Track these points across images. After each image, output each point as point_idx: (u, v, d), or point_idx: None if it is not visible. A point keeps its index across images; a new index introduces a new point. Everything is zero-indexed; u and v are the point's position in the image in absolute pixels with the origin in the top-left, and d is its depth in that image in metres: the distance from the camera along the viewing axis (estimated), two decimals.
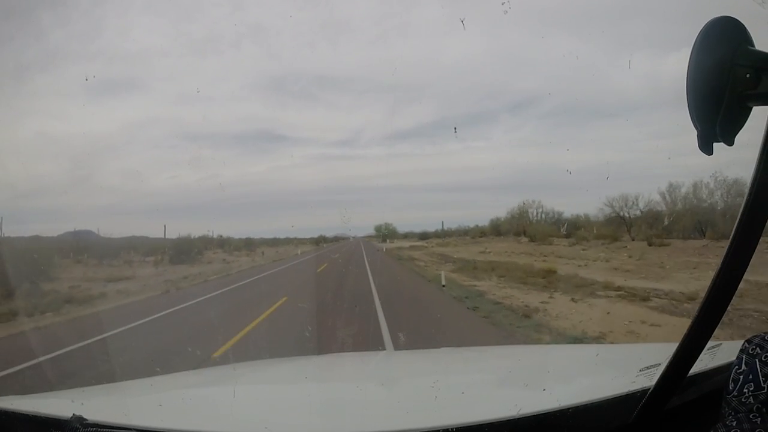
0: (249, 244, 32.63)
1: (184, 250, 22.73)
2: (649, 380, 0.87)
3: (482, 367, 1.75)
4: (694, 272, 12.07)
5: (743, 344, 0.70)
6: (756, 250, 0.63)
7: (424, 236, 46.97)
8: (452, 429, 0.85)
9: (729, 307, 0.68)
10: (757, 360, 0.67)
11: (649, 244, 19.91)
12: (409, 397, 1.36)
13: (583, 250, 20.85)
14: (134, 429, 0.88)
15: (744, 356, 0.68)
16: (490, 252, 23.23)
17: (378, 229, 49.70)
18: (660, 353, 0.93)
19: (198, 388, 1.60)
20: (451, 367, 1.79)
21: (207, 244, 28.26)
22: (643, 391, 0.84)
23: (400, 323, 6.62)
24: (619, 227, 25.63)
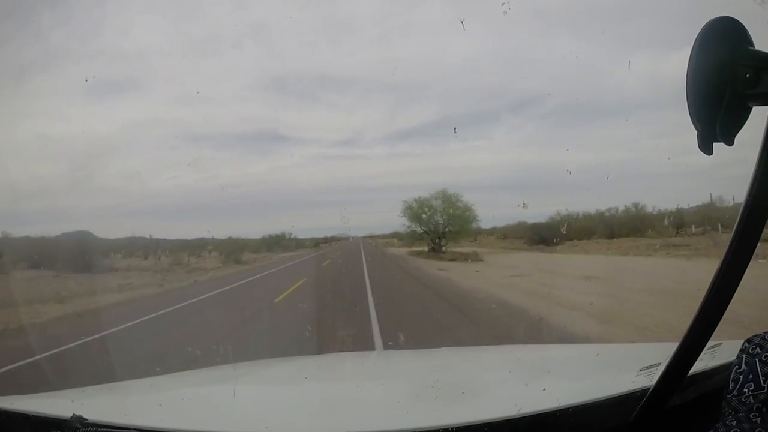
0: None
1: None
2: (649, 380, 0.87)
3: (482, 367, 1.75)
4: None
5: (743, 344, 0.70)
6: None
7: (543, 235, 19.78)
8: (452, 429, 0.85)
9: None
10: (757, 360, 0.67)
11: None
12: (409, 397, 1.36)
13: None
14: (134, 429, 0.88)
15: (744, 356, 0.68)
16: None
17: (416, 213, 21.36)
18: (660, 353, 0.93)
19: (198, 388, 1.60)
20: (450, 366, 1.79)
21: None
22: (643, 391, 0.85)
23: None
24: None
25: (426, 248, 21.83)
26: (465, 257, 17.93)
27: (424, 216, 21.78)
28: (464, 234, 21.94)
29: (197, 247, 24.38)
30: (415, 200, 22.07)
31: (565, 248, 19.38)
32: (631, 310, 6.12)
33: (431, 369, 1.75)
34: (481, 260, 17.15)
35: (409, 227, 22.65)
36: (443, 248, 21.09)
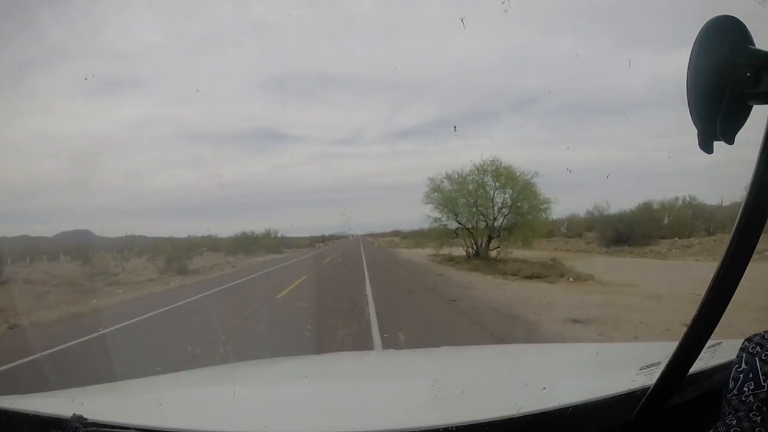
0: None
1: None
2: (649, 379, 0.87)
3: (482, 366, 1.75)
4: None
5: (743, 343, 0.70)
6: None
7: (621, 231, 14.77)
8: (452, 428, 0.85)
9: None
10: (757, 358, 0.67)
11: None
12: (409, 396, 1.36)
13: None
14: (134, 428, 0.88)
15: (744, 355, 0.69)
16: None
17: (449, 197, 13.99)
18: (660, 352, 0.94)
19: (198, 387, 1.60)
20: (451, 366, 1.79)
21: None
22: (643, 390, 0.85)
23: None
24: None
25: (463, 252, 14.43)
26: (548, 269, 10.02)
27: (463, 201, 14.05)
28: (537, 230, 13.79)
29: (159, 249, 19.33)
30: (448, 177, 14.37)
31: (670, 250, 13.74)
32: None
33: (431, 369, 1.75)
34: (592, 278, 9.61)
35: (436, 221, 14.75)
36: (491, 252, 13.64)
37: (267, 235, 26.63)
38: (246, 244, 25.01)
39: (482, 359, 1.90)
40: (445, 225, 14.82)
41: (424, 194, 14.93)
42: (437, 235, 15.32)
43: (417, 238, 18.17)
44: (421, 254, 17.14)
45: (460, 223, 14.54)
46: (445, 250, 15.37)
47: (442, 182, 14.76)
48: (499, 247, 13.78)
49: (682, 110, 0.58)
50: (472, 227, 14.34)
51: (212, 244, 23.14)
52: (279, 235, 27.03)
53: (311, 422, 1.13)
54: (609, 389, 0.92)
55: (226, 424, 1.07)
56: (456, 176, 14.51)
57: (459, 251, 14.88)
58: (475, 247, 14.34)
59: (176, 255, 17.21)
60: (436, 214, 14.85)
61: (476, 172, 14.00)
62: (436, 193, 14.83)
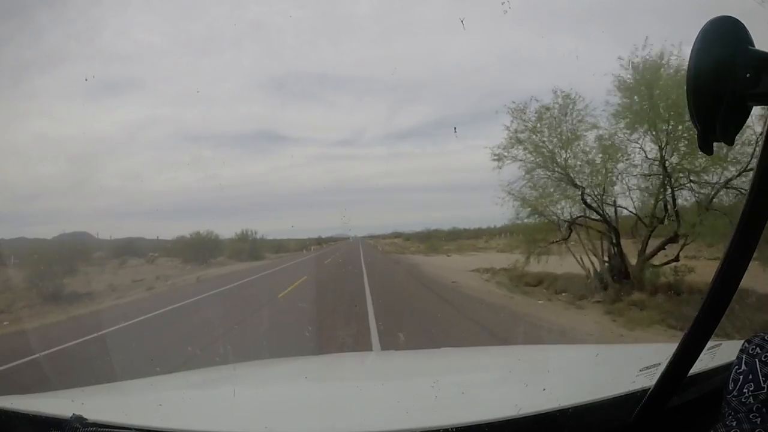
0: None
1: None
2: (649, 380, 0.87)
3: (482, 367, 1.75)
4: None
5: (743, 344, 0.70)
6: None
7: None
8: (452, 429, 0.85)
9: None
10: (757, 360, 0.67)
11: None
12: (409, 397, 1.36)
13: None
14: (134, 429, 0.88)
15: (744, 356, 0.68)
16: None
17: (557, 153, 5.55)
18: (660, 353, 0.94)
19: (198, 388, 1.60)
20: (451, 366, 1.79)
21: None
22: (643, 391, 0.84)
23: None
24: None
25: (575, 267, 7.67)
26: None
27: (606, 151, 7.04)
28: None
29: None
30: (557, 99, 7.33)
31: None
32: None
33: (431, 369, 1.75)
34: None
35: (524, 202, 7.65)
36: (654, 266, 7.04)
37: (243, 237, 21.30)
38: (201, 249, 18.74)
39: (482, 360, 1.90)
40: (540, 212, 7.57)
41: (498, 147, 7.64)
42: (530, 232, 7.97)
43: (425, 240, 13.88)
44: (455, 268, 10.79)
45: (587, 205, 7.18)
46: (496, 262, 8.87)
47: (543, 113, 7.15)
48: (676, 260, 6.83)
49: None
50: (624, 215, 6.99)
51: (175, 248, 19.06)
52: (258, 236, 22.31)
53: (311, 423, 1.13)
54: (609, 390, 0.92)
55: (226, 424, 1.07)
56: (575, 95, 7.06)
57: (552, 265, 7.97)
58: (618, 257, 7.25)
59: (49, 273, 11.70)
60: (520, 192, 7.54)
61: (643, 73, 6.40)
62: (521, 146, 7.30)
